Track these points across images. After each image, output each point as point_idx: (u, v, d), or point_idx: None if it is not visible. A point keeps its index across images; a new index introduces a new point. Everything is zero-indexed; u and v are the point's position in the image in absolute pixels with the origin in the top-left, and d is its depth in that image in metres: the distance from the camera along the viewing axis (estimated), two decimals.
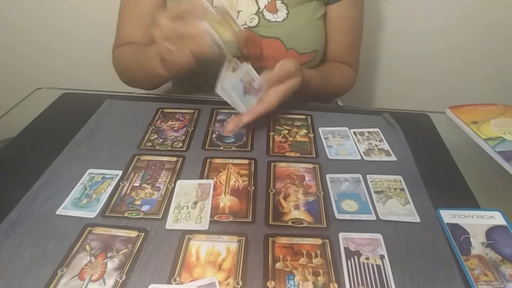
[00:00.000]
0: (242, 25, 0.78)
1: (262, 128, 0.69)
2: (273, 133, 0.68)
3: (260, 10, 0.78)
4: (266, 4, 0.78)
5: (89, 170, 0.58)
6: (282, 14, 0.78)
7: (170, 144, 0.64)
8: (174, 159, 0.61)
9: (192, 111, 0.73)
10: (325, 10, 0.83)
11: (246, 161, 0.61)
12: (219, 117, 0.72)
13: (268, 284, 0.42)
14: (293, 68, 0.66)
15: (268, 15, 0.78)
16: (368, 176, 0.58)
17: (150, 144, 0.64)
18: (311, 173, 0.59)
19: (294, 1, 0.79)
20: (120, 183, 0.56)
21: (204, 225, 0.49)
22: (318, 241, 0.47)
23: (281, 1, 0.78)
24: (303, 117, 0.73)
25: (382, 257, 0.46)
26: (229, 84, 0.63)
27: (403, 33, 1.27)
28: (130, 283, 0.42)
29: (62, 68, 1.35)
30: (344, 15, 0.85)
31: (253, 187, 0.56)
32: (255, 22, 0.78)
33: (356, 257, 0.46)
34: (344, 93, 0.92)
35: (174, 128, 0.68)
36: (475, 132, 0.70)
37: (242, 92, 0.63)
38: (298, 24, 0.79)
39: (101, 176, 0.57)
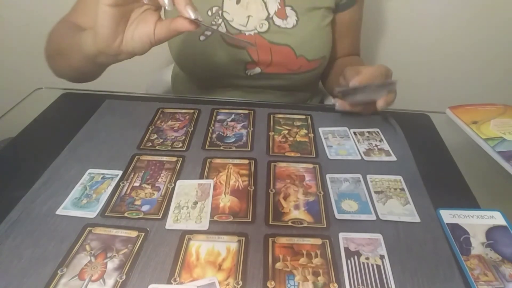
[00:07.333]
0: (252, 30, 0.78)
1: (262, 128, 0.69)
2: (273, 133, 0.68)
3: (270, 16, 0.78)
4: (276, 10, 0.78)
5: (89, 170, 0.58)
6: (291, 20, 0.79)
7: (170, 144, 0.64)
8: (174, 159, 0.61)
9: (192, 111, 0.73)
10: (332, 16, 0.84)
11: (246, 161, 0.61)
12: (219, 117, 0.72)
13: (268, 284, 0.42)
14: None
15: (278, 21, 0.78)
16: (368, 176, 0.58)
17: (150, 144, 0.64)
18: (311, 173, 0.59)
19: (303, 8, 0.79)
20: (120, 183, 0.56)
21: (204, 225, 0.49)
22: (318, 241, 0.47)
23: (290, 8, 0.79)
24: (303, 117, 0.73)
25: (382, 257, 0.46)
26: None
27: (403, 33, 1.28)
28: (130, 283, 0.42)
29: None
30: (352, 20, 0.87)
31: (253, 187, 0.56)
32: (265, 28, 0.78)
33: (356, 257, 0.46)
34: None
35: (174, 128, 0.68)
36: (475, 132, 0.70)
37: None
38: (308, 31, 0.80)
39: (101, 176, 0.57)
